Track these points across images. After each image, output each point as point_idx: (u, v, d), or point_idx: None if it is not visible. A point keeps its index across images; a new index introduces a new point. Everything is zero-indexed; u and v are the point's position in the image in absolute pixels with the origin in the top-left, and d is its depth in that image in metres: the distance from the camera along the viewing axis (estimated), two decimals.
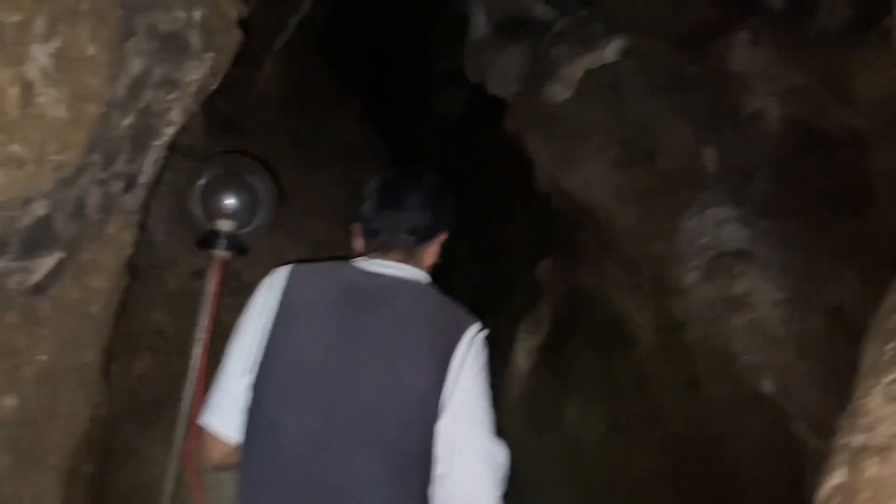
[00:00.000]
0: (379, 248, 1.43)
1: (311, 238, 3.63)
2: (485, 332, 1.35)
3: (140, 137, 1.70)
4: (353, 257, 1.45)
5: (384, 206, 1.44)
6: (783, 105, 2.84)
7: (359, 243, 1.49)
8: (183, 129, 1.87)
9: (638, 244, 3.10)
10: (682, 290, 2.80)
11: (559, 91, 3.43)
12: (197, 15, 1.70)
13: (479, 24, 5.28)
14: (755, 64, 2.86)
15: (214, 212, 2.03)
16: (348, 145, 5.06)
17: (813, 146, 2.77)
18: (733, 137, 2.97)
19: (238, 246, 2.09)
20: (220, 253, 2.05)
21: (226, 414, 1.32)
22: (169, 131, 1.79)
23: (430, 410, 1.25)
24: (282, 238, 2.92)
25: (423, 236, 1.45)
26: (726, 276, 2.65)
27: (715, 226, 2.80)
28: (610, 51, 3.32)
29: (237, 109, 3.58)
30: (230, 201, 2.04)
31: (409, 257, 1.43)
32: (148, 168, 1.80)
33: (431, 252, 1.49)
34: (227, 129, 3.48)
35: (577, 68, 3.40)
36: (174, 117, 1.77)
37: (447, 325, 1.32)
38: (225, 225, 2.04)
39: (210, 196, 2.00)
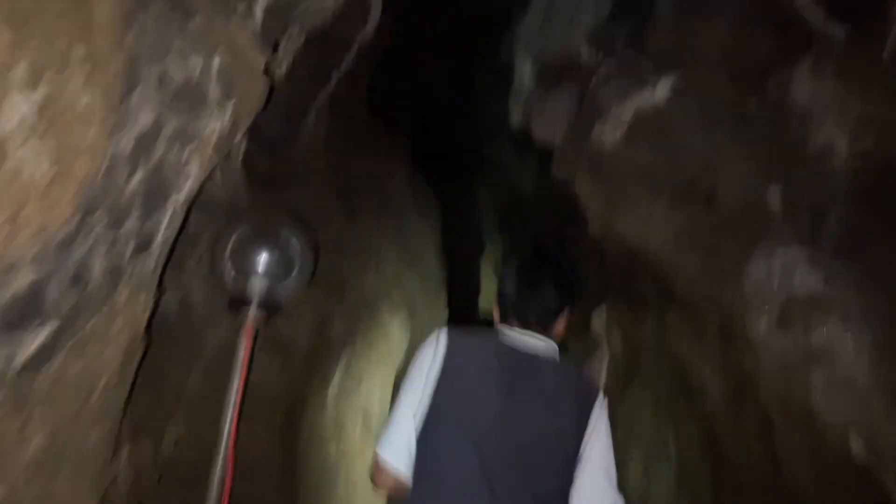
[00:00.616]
0: (520, 321, 1.73)
1: (357, 293, 3.55)
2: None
3: (154, 194, 1.58)
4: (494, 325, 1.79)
5: (524, 286, 1.74)
6: (853, 138, 2.65)
7: (498, 315, 1.79)
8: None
9: (700, 290, 2.91)
10: (753, 340, 2.59)
11: (609, 133, 3.30)
12: (216, 62, 1.59)
13: (524, 71, 5.25)
14: (819, 95, 2.69)
15: (245, 270, 1.95)
16: (397, 197, 5.03)
17: (889, 181, 2.56)
18: (800, 174, 2.78)
19: (271, 305, 2.00)
20: (252, 313, 1.97)
21: (398, 449, 1.55)
22: (188, 186, 1.66)
23: (571, 460, 1.55)
24: (324, 292, 2.84)
25: (556, 313, 1.75)
26: (802, 323, 2.44)
27: (785, 269, 2.60)
28: (661, 89, 3.19)
29: (280, 163, 3.57)
30: (262, 258, 1.95)
31: (545, 330, 1.73)
32: (165, 227, 1.66)
33: (562, 324, 1.77)
34: (269, 183, 3.47)
35: (626, 109, 3.28)
36: (193, 170, 1.65)
37: (583, 390, 1.65)
38: (257, 283, 1.95)
39: (240, 253, 1.91)
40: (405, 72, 7.36)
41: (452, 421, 1.56)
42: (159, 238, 1.64)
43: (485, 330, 1.77)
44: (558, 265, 1.82)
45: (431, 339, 1.65)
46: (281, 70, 3.10)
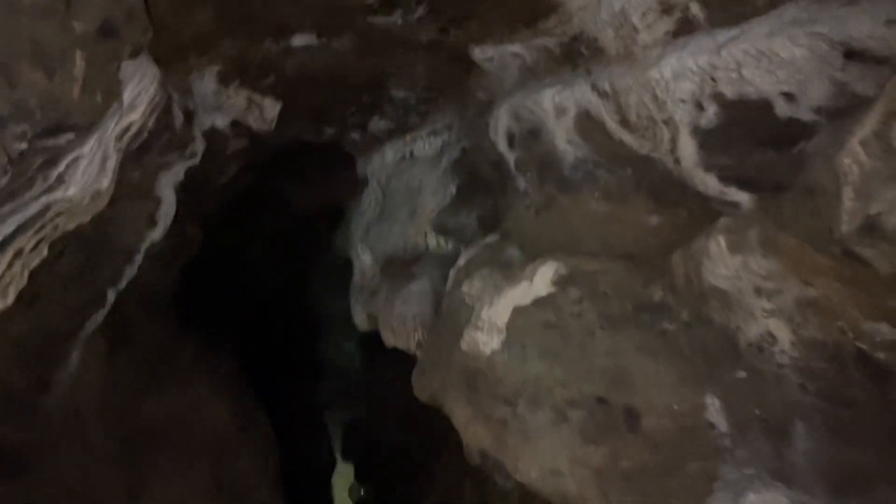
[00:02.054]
0: None
1: None
2: None
3: None
4: None
5: None
6: (795, 325, 2.06)
7: None
8: None
9: None
10: None
11: (483, 340, 2.53)
12: None
13: (365, 263, 4.52)
14: (744, 275, 2.11)
15: None
16: (215, 436, 3.86)
17: (857, 375, 1.96)
18: (738, 378, 2.13)
19: None
20: None
21: None
22: None
23: None
24: None
25: None
26: None
27: None
28: (540, 280, 2.52)
29: (27, 434, 2.41)
30: None
31: None
32: None
33: None
34: (11, 470, 2.28)
35: (500, 309, 2.55)
36: None
37: None
38: None
39: None
40: (226, 275, 6.41)
41: None
42: None
43: None
44: None
45: None
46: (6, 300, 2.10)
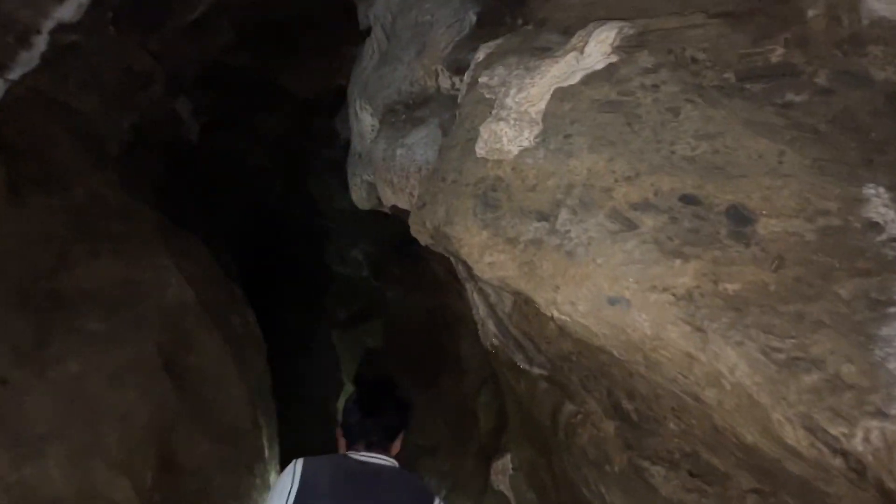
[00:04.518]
0: (364, 444, 2.06)
1: None
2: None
3: None
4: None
5: (367, 414, 2.11)
6: None
7: (344, 442, 2.13)
8: None
9: None
10: None
11: (508, 134, 1.74)
12: None
13: (363, 124, 3.72)
14: None
15: None
16: (173, 314, 3.13)
17: None
18: None
19: None
20: None
21: None
22: None
23: None
24: None
25: (394, 435, 2.13)
26: None
27: None
28: (596, 47, 1.70)
29: None
30: None
31: (384, 450, 2.08)
32: None
33: (398, 444, 2.14)
34: None
35: (535, 91, 1.75)
36: None
37: (422, 494, 1.95)
38: None
39: None
40: (224, 183, 5.71)
41: None
42: None
43: (336, 455, 2.05)
44: (393, 395, 2.22)
45: (290, 467, 1.92)
46: None
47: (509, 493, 3.51)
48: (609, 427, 1.99)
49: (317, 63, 5.56)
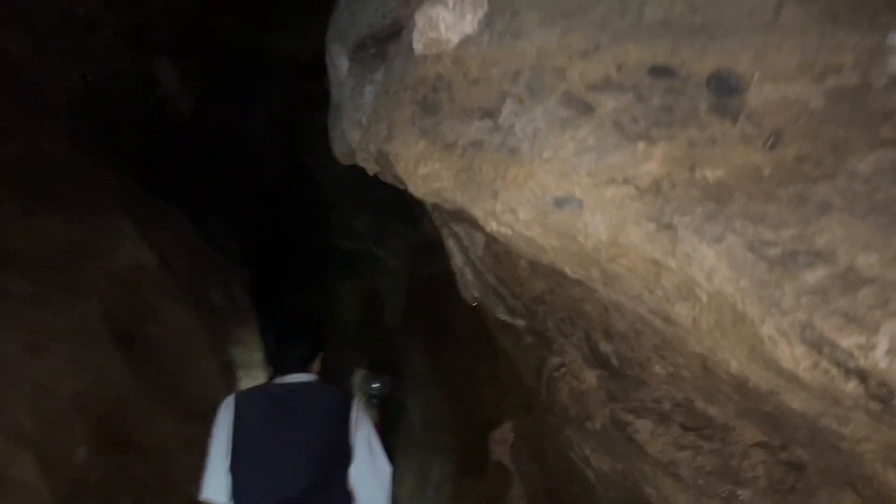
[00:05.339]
0: (285, 370, 2.27)
1: None
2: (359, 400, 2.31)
3: None
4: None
5: (280, 347, 2.31)
6: None
7: (270, 371, 2.39)
8: None
9: None
10: None
11: (448, 20, 1.42)
12: None
13: (341, 70, 3.41)
14: None
15: None
16: (123, 275, 2.88)
17: None
18: None
19: None
20: None
21: (217, 485, 2.07)
22: None
23: (344, 448, 2.11)
24: None
25: (311, 357, 2.34)
26: None
27: None
28: None
29: None
30: None
31: (304, 370, 2.29)
32: None
33: (317, 364, 2.36)
34: None
35: None
36: None
37: (341, 400, 2.25)
38: None
39: None
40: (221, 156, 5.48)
41: (248, 450, 2.08)
42: None
43: (263, 384, 2.42)
44: (301, 328, 2.41)
45: (226, 401, 2.18)
46: None
47: (510, 465, 3.22)
48: (590, 377, 1.68)
49: (310, 22, 5.27)
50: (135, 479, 2.29)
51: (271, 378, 2.34)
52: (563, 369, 1.91)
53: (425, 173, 1.37)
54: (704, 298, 0.94)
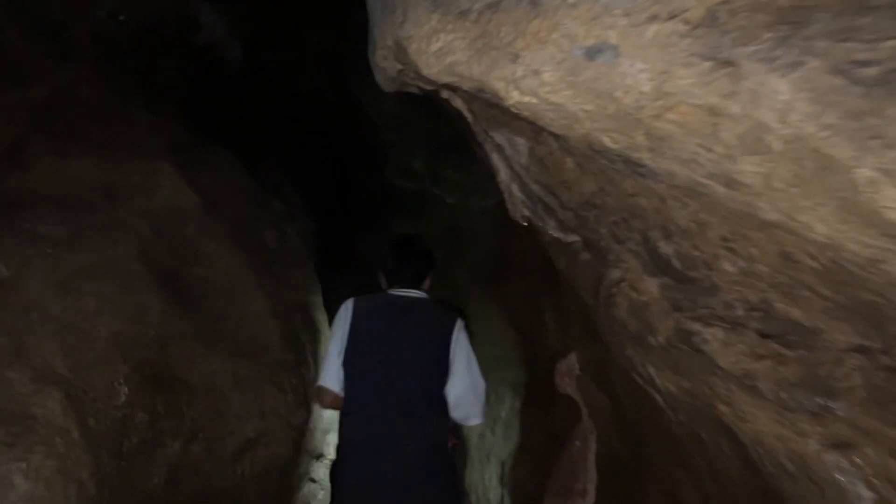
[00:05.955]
0: (400, 283, 2.49)
1: None
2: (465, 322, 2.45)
3: None
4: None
5: (398, 262, 2.53)
6: None
7: (384, 282, 2.57)
8: None
9: None
10: None
11: None
12: None
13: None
14: None
15: None
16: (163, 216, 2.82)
17: None
18: None
19: None
20: None
21: (331, 377, 2.34)
22: None
23: (444, 362, 2.31)
24: None
25: (423, 275, 2.55)
26: None
27: None
28: None
29: None
30: None
31: (417, 287, 2.50)
32: None
33: (428, 282, 2.56)
34: None
35: None
36: None
37: (446, 318, 2.41)
38: None
39: None
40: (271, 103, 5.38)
41: (361, 348, 2.31)
42: None
43: (380, 293, 2.52)
44: (419, 245, 2.68)
45: (344, 304, 2.42)
46: None
47: (577, 396, 3.05)
48: (651, 287, 1.47)
49: None
50: (183, 419, 2.25)
51: (388, 289, 2.51)
52: (622, 283, 1.71)
53: (438, 48, 1.18)
54: (778, 147, 0.72)
